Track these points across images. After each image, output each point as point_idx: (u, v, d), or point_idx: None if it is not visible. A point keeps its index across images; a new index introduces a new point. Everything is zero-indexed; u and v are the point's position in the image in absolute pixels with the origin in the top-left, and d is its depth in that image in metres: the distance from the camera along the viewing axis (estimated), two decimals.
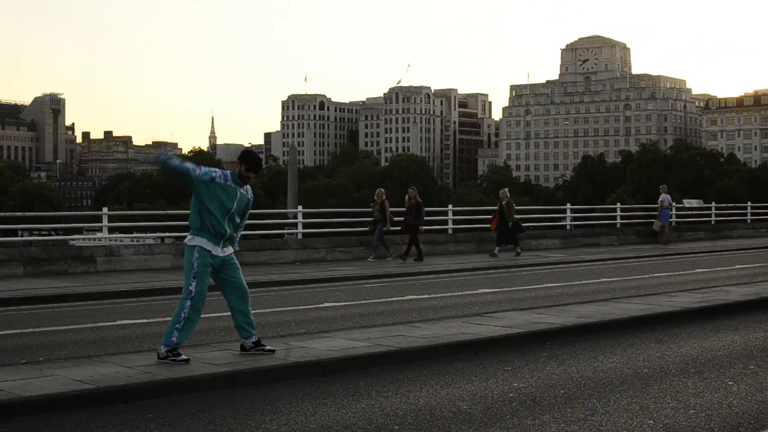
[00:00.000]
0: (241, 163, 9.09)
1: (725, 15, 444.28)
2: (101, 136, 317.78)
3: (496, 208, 27.06)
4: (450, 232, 29.43)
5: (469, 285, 18.24)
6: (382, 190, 25.79)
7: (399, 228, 25.33)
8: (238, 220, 9.18)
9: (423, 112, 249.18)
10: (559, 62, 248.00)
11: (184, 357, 8.86)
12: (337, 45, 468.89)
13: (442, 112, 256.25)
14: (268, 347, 9.37)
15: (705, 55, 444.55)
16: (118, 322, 12.69)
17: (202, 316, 9.53)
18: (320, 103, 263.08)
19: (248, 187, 9.22)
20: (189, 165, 9.00)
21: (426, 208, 25.67)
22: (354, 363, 9.27)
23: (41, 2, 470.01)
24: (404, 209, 25.13)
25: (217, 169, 9.11)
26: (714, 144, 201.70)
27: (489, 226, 27.39)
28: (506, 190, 28.00)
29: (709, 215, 40.81)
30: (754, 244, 32.34)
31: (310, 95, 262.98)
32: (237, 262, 9.34)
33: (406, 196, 24.94)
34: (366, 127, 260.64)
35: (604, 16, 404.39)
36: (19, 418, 7.21)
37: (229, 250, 9.20)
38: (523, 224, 28.53)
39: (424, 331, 10.92)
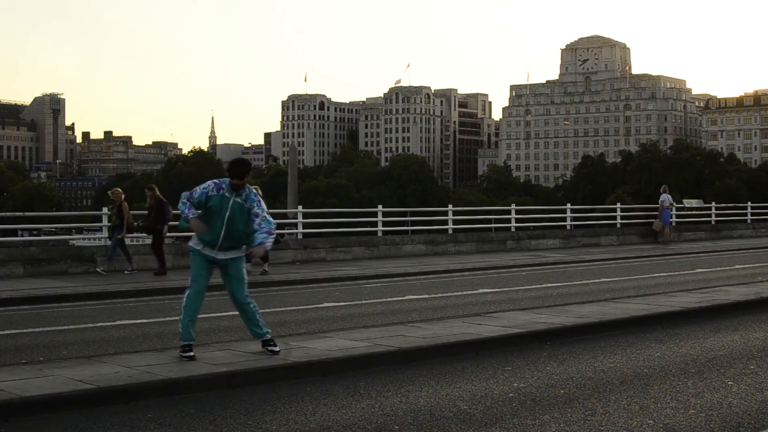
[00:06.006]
0: (229, 174, 9.29)
1: (725, 15, 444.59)
2: (101, 136, 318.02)
3: (494, 208, 26.79)
4: (450, 232, 29.43)
5: (469, 285, 18.24)
6: (119, 190, 21.11)
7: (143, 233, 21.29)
8: (240, 226, 9.20)
9: (423, 112, 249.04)
10: (559, 62, 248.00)
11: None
12: (337, 45, 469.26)
13: (442, 112, 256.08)
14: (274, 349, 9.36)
15: (705, 55, 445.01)
16: (118, 322, 12.69)
17: (201, 316, 9.53)
18: (320, 103, 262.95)
19: (245, 192, 9.24)
20: (186, 201, 9.27)
21: (425, 208, 25.08)
22: (354, 363, 9.27)
23: (41, 2, 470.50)
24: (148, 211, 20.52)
25: (209, 183, 9.35)
26: (714, 144, 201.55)
27: (489, 226, 27.19)
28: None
29: (709, 215, 40.81)
30: (754, 244, 32.35)
31: (310, 95, 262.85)
32: (238, 272, 9.36)
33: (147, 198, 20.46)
34: (366, 127, 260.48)
35: (604, 16, 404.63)
36: (19, 418, 7.21)
37: (230, 254, 9.29)
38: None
39: (424, 331, 10.92)
